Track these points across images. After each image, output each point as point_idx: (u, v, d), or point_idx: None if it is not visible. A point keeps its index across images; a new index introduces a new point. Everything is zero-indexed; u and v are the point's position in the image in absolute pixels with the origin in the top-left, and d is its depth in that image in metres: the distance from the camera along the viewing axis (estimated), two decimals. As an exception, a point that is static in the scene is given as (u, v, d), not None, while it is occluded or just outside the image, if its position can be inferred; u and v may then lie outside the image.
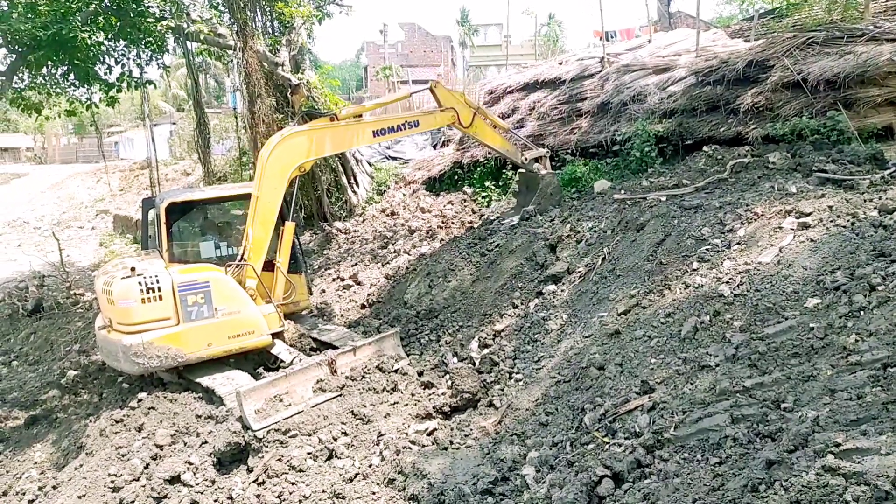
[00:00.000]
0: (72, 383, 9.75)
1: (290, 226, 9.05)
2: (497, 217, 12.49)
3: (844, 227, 6.25)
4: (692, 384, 5.07)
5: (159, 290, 7.86)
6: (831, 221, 6.45)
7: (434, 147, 20.30)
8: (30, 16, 11.25)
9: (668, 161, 11.69)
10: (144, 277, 7.85)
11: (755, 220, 7.25)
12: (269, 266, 8.94)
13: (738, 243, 6.92)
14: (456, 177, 16.32)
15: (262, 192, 8.50)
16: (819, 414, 3.91)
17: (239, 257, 8.65)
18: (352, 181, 17.32)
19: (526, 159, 11.77)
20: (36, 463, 8.03)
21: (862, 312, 4.83)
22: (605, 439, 5.06)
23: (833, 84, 9.97)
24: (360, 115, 10.35)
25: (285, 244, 9.00)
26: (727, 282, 6.25)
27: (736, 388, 4.66)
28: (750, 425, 4.19)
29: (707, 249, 7.09)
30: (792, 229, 6.62)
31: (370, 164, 19.03)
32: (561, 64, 15.81)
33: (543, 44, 52.18)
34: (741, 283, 6.09)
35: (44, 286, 14.52)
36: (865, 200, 6.80)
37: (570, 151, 13.38)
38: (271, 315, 8.70)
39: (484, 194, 14.72)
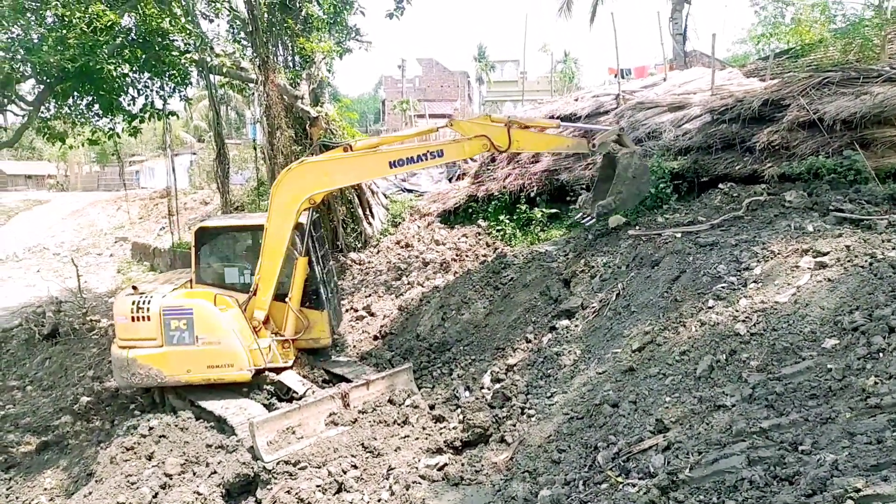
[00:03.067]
0: (84, 409, 9.80)
1: (301, 261, 8.83)
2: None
3: (862, 267, 6.19)
4: (708, 424, 5.00)
5: (148, 310, 8.17)
6: (849, 261, 6.39)
7: (449, 180, 20.48)
8: (59, 48, 11.57)
9: (684, 198, 11.68)
10: (139, 297, 8.23)
11: (771, 258, 7.21)
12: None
13: (755, 281, 6.87)
14: (471, 210, 16.38)
15: (270, 223, 8.45)
16: (838, 457, 3.84)
17: (252, 288, 8.68)
18: (367, 212, 17.42)
19: (595, 146, 9.92)
20: (46, 489, 8.04)
21: (881, 354, 4.76)
22: (619, 479, 4.98)
23: (849, 124, 9.98)
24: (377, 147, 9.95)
25: (298, 279, 8.86)
26: (743, 320, 6.19)
27: (753, 430, 4.59)
28: (767, 468, 4.11)
29: (723, 287, 7.05)
30: (809, 268, 6.57)
31: (386, 196, 19.18)
32: (576, 100, 15.99)
33: (559, 80, 52.73)
34: (757, 322, 6.03)
35: (61, 311, 14.63)
36: (883, 241, 6.75)
37: (585, 187, 13.42)
38: (263, 350, 8.50)
39: (498, 228, 14.75)
